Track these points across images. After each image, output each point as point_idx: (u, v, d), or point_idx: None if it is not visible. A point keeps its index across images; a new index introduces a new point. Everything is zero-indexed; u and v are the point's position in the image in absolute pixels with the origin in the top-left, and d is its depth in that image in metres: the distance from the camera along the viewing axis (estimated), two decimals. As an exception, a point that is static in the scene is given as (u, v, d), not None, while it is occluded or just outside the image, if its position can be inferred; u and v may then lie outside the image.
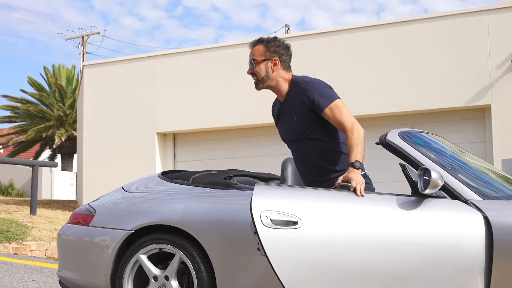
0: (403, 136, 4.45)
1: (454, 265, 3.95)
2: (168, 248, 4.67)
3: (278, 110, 4.63)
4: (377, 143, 4.53)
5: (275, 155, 12.81)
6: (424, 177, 4.03)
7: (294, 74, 4.64)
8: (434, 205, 4.09)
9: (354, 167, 4.23)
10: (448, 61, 11.89)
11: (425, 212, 4.08)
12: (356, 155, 4.26)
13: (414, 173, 4.19)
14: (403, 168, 4.11)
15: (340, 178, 4.22)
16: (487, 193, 4.22)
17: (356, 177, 4.17)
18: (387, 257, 4.02)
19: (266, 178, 5.54)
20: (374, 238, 4.07)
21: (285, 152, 13.46)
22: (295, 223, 4.05)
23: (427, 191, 3.99)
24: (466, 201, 4.08)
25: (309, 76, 4.61)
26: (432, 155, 4.39)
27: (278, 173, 5.17)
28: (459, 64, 11.81)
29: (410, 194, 4.14)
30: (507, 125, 11.42)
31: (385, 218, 4.12)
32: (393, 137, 4.41)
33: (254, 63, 4.54)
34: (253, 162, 13.13)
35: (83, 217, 5.22)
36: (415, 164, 4.26)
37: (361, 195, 4.13)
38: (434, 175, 3.96)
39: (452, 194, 4.13)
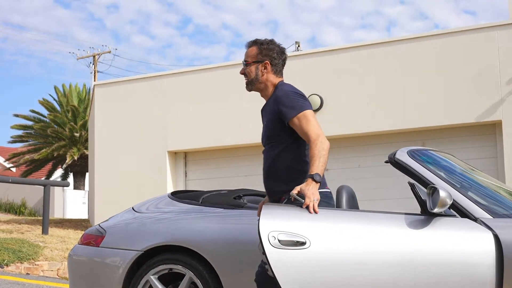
0: (412, 154, 4.44)
1: (464, 284, 3.93)
2: (178, 268, 4.68)
3: (261, 112, 4.59)
4: (386, 162, 4.53)
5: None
6: (433, 196, 4.02)
7: (282, 80, 4.59)
8: (443, 223, 4.08)
9: (313, 179, 4.08)
10: (458, 77, 11.87)
11: (435, 231, 4.06)
12: (317, 167, 4.11)
13: (423, 191, 4.18)
14: (412, 187, 4.11)
15: (296, 189, 4.07)
16: (497, 211, 4.20)
17: (311, 192, 4.05)
18: (397, 277, 4.01)
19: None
20: (383, 258, 4.05)
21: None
22: (303, 243, 4.04)
23: (435, 210, 3.98)
24: (475, 219, 4.06)
25: (291, 84, 4.52)
26: (441, 173, 4.38)
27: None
28: (469, 80, 11.78)
29: (420, 212, 4.14)
30: (519, 140, 11.38)
31: (394, 238, 4.10)
32: (402, 155, 4.41)
33: (245, 64, 4.51)
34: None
35: (93, 238, 5.24)
36: (425, 183, 4.25)
37: (315, 212, 4.04)
38: (442, 194, 3.95)
39: (462, 213, 4.11)
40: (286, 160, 4.33)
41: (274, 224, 4.06)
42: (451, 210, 4.14)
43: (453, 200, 4.10)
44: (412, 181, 4.25)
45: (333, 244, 4.07)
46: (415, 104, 12.13)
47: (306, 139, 4.25)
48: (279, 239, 4.04)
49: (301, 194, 4.05)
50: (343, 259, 4.05)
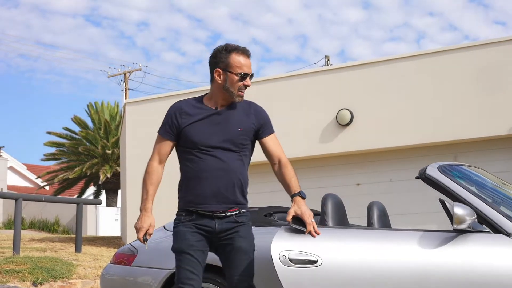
0: (443, 169, 4.42)
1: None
2: (210, 287, 4.68)
3: (210, 114, 4.39)
4: (416, 177, 4.51)
5: (315, 188, 12.77)
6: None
7: None
8: (474, 239, 4.04)
9: (302, 197, 4.32)
10: (489, 88, 11.77)
11: (463, 247, 4.03)
12: (298, 185, 4.37)
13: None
14: (443, 204, 4.08)
15: (292, 213, 4.24)
16: (531, 226, 4.14)
17: (308, 215, 4.25)
18: None
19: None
20: (398, 275, 4.08)
21: (326, 185, 13.39)
22: (314, 262, 4.18)
23: (455, 226, 3.98)
24: (508, 235, 4.02)
25: None
26: (472, 189, 4.34)
27: (318, 206, 5.17)
28: (500, 91, 11.68)
29: (452, 229, 4.11)
30: (552, 152, 11.26)
31: (408, 255, 4.12)
32: (433, 171, 4.39)
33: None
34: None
35: (125, 257, 5.27)
36: (456, 198, 4.22)
37: (318, 234, 4.23)
38: (458, 211, 3.94)
39: (494, 228, 4.07)
40: (246, 172, 4.45)
41: (285, 244, 4.27)
42: (484, 226, 4.11)
43: (485, 215, 4.07)
44: (444, 197, 4.22)
45: (346, 262, 4.17)
46: (446, 117, 12.05)
47: (276, 156, 4.46)
48: (290, 257, 4.23)
49: (300, 227, 4.23)
50: (356, 277, 4.13)
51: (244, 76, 4.39)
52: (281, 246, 4.25)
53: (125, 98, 39.44)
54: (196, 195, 4.29)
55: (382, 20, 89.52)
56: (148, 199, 4.31)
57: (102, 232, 27.90)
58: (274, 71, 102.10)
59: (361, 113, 12.69)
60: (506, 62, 11.72)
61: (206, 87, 15.27)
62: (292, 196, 4.33)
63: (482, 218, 4.09)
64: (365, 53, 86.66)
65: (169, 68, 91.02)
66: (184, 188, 4.37)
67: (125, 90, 41.76)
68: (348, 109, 12.63)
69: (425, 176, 4.37)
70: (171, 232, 5.25)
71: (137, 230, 4.28)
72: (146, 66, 68.68)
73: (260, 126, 4.48)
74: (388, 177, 12.66)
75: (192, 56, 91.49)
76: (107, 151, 29.61)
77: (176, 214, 4.41)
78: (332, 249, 4.25)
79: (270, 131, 4.53)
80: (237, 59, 4.36)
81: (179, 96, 14.73)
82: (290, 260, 4.21)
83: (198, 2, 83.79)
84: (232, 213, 4.30)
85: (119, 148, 26.43)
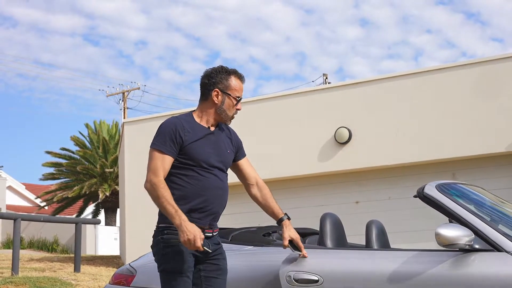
0: (441, 188, 4.44)
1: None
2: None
3: (206, 133, 4.39)
4: (415, 196, 4.53)
5: (313, 206, 12.77)
6: None
7: None
8: (473, 259, 4.06)
9: (289, 218, 4.49)
10: (487, 106, 11.80)
11: (462, 267, 4.06)
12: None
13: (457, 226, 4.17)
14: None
15: (287, 239, 4.39)
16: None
17: (298, 235, 4.45)
18: None
19: (306, 234, 5.55)
20: None
21: (325, 203, 13.39)
22: (316, 281, 4.38)
23: (442, 247, 4.08)
24: (508, 253, 4.02)
25: None
26: (471, 207, 4.36)
27: (316, 225, 5.18)
28: (498, 108, 11.71)
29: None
30: (550, 169, 11.27)
31: (413, 274, 4.15)
32: (431, 190, 4.41)
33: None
34: (291, 214, 13.09)
35: (124, 277, 5.26)
36: (454, 217, 4.24)
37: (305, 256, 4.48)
38: (439, 230, 4.02)
39: (493, 246, 4.08)
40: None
41: (292, 265, 4.46)
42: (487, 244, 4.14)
43: (483, 233, 4.09)
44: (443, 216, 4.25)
45: (344, 281, 4.34)
46: (444, 135, 12.07)
47: (253, 177, 4.61)
48: (295, 278, 4.42)
49: (297, 251, 4.44)
50: None
51: (239, 100, 4.41)
52: (288, 267, 4.46)
53: (124, 117, 39.51)
54: (194, 210, 4.23)
55: (379, 37, 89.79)
56: (178, 210, 4.08)
57: (101, 251, 27.84)
58: (272, 90, 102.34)
59: (360, 131, 12.71)
60: (504, 79, 11.76)
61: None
62: (281, 219, 4.45)
63: (480, 237, 4.10)
64: (363, 70, 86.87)
65: (167, 87, 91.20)
66: (179, 201, 4.20)
67: (124, 109, 41.83)
68: (346, 127, 12.65)
69: (424, 195, 4.39)
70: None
71: (190, 241, 3.99)
72: (145, 85, 68.50)
73: (237, 150, 4.57)
74: (387, 195, 12.66)
75: (190, 75, 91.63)
76: (106, 170, 29.63)
77: (166, 231, 4.23)
78: (331, 269, 4.42)
79: (244, 153, 4.65)
80: (236, 82, 4.40)
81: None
82: (295, 280, 4.41)
83: (196, 21, 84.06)
84: (215, 233, 4.37)
85: (118, 167, 26.45)
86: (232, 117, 4.43)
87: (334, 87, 13.56)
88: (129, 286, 5.15)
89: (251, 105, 13.74)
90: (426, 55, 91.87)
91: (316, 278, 4.37)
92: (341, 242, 4.92)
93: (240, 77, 4.43)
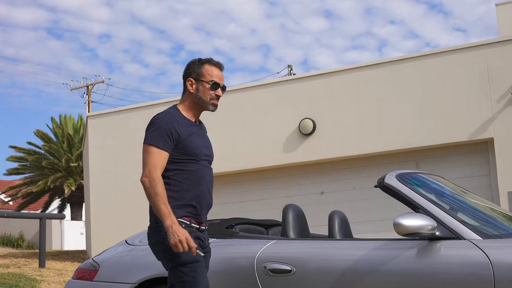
0: (401, 178, 4.47)
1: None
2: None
3: (196, 128, 4.45)
4: (375, 186, 4.56)
5: (279, 197, 12.82)
6: None
7: None
8: (438, 246, 4.14)
9: None
10: (450, 96, 11.91)
11: (423, 254, 4.14)
12: None
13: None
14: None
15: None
16: (487, 231, 4.22)
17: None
18: None
19: (268, 225, 5.56)
20: (364, 281, 4.17)
21: (290, 194, 13.41)
22: (289, 271, 4.46)
23: (399, 235, 4.15)
24: (466, 240, 4.09)
25: None
26: (431, 196, 4.40)
27: (279, 217, 5.20)
28: (460, 98, 11.82)
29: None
30: (511, 157, 11.40)
31: (379, 263, 4.21)
32: (391, 179, 4.44)
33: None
34: (257, 205, 13.14)
35: (87, 272, 5.24)
36: (414, 206, 4.29)
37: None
38: (396, 220, 4.09)
39: (453, 234, 4.14)
40: None
41: (267, 256, 4.56)
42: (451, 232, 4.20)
43: (443, 222, 4.15)
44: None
45: (315, 270, 4.40)
46: (407, 125, 12.16)
47: None
48: (269, 268, 4.49)
49: None
50: (324, 282, 4.36)
51: (215, 85, 4.39)
52: (263, 258, 4.56)
53: (88, 111, 39.20)
54: (195, 206, 4.27)
55: (344, 29, 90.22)
56: (171, 212, 4.07)
57: (68, 246, 27.64)
58: (237, 82, 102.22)
59: (324, 122, 12.75)
60: (466, 69, 11.87)
61: (170, 98, 15.26)
62: None
63: (440, 225, 4.15)
64: (328, 62, 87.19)
65: (132, 80, 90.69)
66: (179, 197, 4.24)
67: (88, 103, 41.50)
68: (310, 119, 12.68)
69: (384, 185, 4.43)
70: (133, 246, 5.26)
71: (182, 242, 3.97)
72: (109, 78, 68.30)
73: None
74: (351, 185, 12.73)
75: (155, 68, 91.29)
76: (71, 164, 29.39)
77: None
78: (303, 259, 4.50)
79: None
80: (209, 68, 4.42)
81: (143, 108, 14.70)
82: (270, 270, 4.52)
83: (160, 13, 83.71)
84: (205, 227, 4.40)
85: (83, 161, 26.27)
86: (212, 104, 4.42)
87: (298, 79, 13.58)
88: (92, 281, 5.14)
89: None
90: (390, 45, 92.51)
91: (289, 268, 4.46)
92: (303, 233, 4.95)
93: (215, 64, 4.46)
